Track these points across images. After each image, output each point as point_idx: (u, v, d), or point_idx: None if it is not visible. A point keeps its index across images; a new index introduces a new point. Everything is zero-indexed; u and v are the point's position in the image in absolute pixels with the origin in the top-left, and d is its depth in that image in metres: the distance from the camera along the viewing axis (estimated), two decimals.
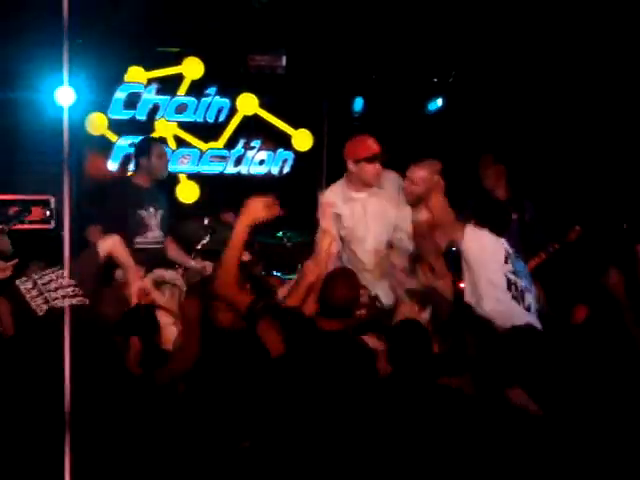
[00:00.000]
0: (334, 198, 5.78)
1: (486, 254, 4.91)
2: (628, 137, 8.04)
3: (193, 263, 6.33)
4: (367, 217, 5.76)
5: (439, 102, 8.41)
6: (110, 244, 5.45)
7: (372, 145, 5.74)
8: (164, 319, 4.96)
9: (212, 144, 8.37)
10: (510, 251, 5.00)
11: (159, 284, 5.11)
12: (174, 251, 6.41)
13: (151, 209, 6.34)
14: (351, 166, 5.72)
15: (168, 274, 5.27)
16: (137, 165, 6.51)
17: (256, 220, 4.50)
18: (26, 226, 7.45)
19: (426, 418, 3.47)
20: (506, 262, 4.89)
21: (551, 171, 8.23)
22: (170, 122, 8.24)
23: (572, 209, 7.69)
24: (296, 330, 4.10)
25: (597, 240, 7.37)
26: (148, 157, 6.40)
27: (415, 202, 5.81)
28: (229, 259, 4.42)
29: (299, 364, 3.92)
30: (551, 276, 6.29)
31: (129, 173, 8.04)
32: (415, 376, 3.83)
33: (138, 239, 6.24)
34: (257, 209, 4.50)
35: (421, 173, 5.68)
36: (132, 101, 8.12)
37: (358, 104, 8.36)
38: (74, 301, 4.27)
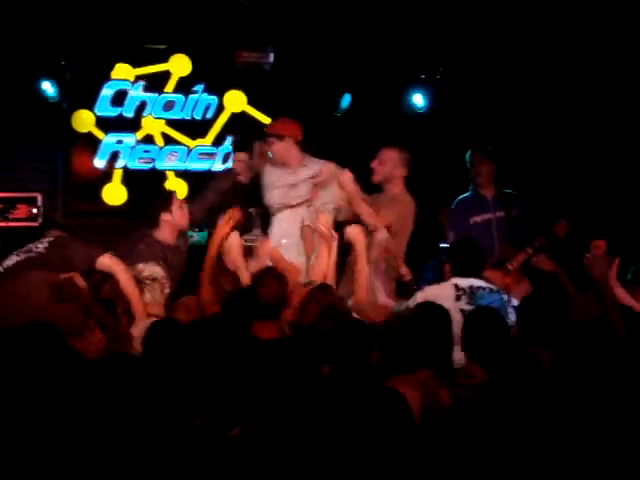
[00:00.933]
0: None
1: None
2: (613, 131, 8.07)
3: None
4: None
5: (419, 99, 8.39)
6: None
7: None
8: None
9: (200, 141, 8.36)
10: (468, 290, 5.01)
11: (139, 281, 5.06)
12: None
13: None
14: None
15: (148, 269, 5.21)
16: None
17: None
18: (11, 224, 7.46)
19: (363, 420, 3.43)
20: (458, 300, 4.95)
21: (538, 166, 8.24)
22: (157, 119, 8.22)
23: (559, 204, 7.70)
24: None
25: (584, 234, 7.42)
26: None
27: (381, 181, 6.18)
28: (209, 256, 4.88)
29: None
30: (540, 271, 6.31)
31: (115, 170, 8.06)
32: (353, 377, 3.83)
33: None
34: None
35: (390, 154, 6.17)
36: (119, 98, 8.10)
37: (345, 101, 8.35)
38: None
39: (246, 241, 6.32)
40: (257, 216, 6.44)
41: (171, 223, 5.71)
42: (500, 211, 7.00)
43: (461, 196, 7.14)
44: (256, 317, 4.46)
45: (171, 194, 6.02)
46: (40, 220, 7.45)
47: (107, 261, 4.96)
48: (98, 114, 8.07)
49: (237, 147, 7.80)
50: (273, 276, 4.64)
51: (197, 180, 8.27)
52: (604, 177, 8.04)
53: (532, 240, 6.50)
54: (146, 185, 8.03)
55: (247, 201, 6.38)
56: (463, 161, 7.17)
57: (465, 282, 5.01)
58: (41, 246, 4.95)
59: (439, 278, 5.58)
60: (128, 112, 8.14)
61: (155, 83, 8.20)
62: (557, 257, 6.28)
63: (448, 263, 5.24)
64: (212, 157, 8.39)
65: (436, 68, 8.43)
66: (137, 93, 8.15)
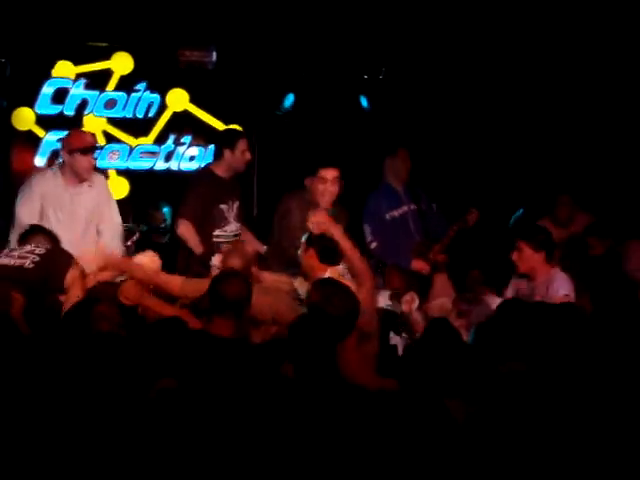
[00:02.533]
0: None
1: None
2: (528, 121, 8.24)
3: None
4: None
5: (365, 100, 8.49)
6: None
7: (87, 137, 6.20)
8: None
9: (142, 140, 8.32)
10: None
11: None
12: None
13: (230, 202, 6.39)
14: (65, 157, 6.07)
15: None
16: (219, 155, 6.57)
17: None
18: None
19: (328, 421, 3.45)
20: None
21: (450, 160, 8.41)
22: (99, 117, 8.16)
23: (470, 195, 7.85)
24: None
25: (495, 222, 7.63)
26: (232, 150, 6.42)
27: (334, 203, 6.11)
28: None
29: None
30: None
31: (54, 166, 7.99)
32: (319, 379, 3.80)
33: (217, 232, 6.33)
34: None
35: (335, 173, 6.12)
36: (60, 96, 8.03)
37: (289, 100, 8.37)
38: None
39: (217, 237, 6.37)
40: (231, 210, 6.48)
41: None
42: (412, 204, 7.19)
43: (372, 193, 7.28)
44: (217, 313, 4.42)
45: None
46: None
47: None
48: (39, 112, 7.99)
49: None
50: (238, 276, 4.61)
51: (139, 179, 8.24)
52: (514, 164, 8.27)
53: (446, 230, 6.78)
54: None
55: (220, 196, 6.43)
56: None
57: None
58: (28, 260, 4.97)
59: None
60: (69, 110, 8.07)
61: (97, 81, 8.12)
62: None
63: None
64: (154, 156, 8.35)
65: (379, 69, 8.51)
66: (78, 91, 8.07)
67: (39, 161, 8.03)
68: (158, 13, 7.81)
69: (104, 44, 8.10)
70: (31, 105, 7.96)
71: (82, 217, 6.14)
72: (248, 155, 6.53)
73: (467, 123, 8.43)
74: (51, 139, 8.01)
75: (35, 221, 5.86)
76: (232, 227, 6.48)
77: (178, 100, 8.34)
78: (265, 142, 8.40)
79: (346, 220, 6.08)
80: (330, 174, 6.14)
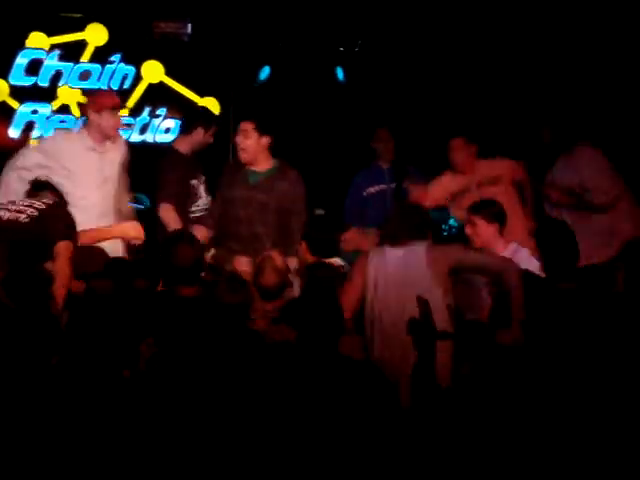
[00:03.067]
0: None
1: None
2: (506, 92, 8.25)
3: None
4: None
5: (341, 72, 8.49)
6: None
7: (116, 97, 6.21)
8: None
9: None
10: None
11: None
12: None
13: (198, 176, 6.49)
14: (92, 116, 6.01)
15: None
16: (187, 131, 6.63)
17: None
18: None
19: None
20: None
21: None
22: (73, 89, 8.11)
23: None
24: None
25: None
26: (206, 130, 6.53)
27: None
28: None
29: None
30: None
31: (32, 140, 7.94)
32: None
33: (192, 208, 6.39)
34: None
35: (246, 125, 6.00)
36: (34, 67, 7.97)
37: (264, 72, 8.36)
38: None
39: (193, 212, 6.40)
40: (200, 184, 6.51)
41: None
42: (393, 183, 7.25)
43: (361, 169, 7.40)
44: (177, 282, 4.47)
45: None
46: None
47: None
48: (12, 83, 7.93)
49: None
50: (186, 241, 4.66)
51: None
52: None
53: None
54: None
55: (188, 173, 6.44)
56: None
57: None
58: (24, 214, 4.89)
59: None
60: (43, 81, 8.01)
61: (71, 52, 8.07)
62: None
63: None
64: (129, 128, 8.30)
65: (355, 41, 8.50)
66: (52, 62, 8.02)
67: (13, 132, 7.99)
68: None
69: (78, 15, 8.05)
70: (5, 76, 7.90)
71: (112, 176, 6.11)
72: (212, 139, 6.69)
73: (444, 96, 8.42)
74: (25, 110, 7.98)
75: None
76: (204, 200, 6.53)
77: (153, 72, 8.30)
78: (241, 114, 8.36)
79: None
80: (241, 126, 6.08)
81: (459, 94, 8.35)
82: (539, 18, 7.91)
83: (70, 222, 5.00)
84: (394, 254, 4.72)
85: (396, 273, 4.65)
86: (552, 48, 7.96)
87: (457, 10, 8.03)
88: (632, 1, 7.44)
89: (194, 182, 6.50)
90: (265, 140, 5.96)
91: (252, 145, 5.94)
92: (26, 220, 4.84)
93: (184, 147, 6.59)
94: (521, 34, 8.01)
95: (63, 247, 4.80)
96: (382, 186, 7.27)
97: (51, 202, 5.12)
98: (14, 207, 4.96)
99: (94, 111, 6.03)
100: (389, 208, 6.96)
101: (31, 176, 5.59)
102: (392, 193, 7.21)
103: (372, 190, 7.26)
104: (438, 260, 4.65)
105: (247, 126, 5.96)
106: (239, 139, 5.98)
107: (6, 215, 4.87)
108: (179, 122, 8.40)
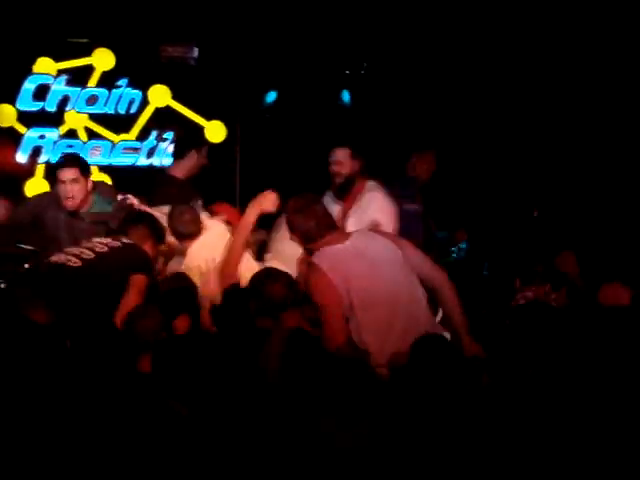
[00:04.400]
0: None
1: None
2: (513, 115, 8.25)
3: None
4: None
5: (347, 95, 8.51)
6: None
7: None
8: None
9: (124, 136, 8.30)
10: None
11: None
12: None
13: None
14: None
15: None
16: (180, 156, 6.63)
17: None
18: None
19: None
20: None
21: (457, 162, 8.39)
22: (80, 114, 8.14)
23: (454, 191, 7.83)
24: None
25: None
26: (199, 152, 6.53)
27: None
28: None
29: None
30: None
31: (38, 165, 7.97)
32: None
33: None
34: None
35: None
36: (41, 92, 8.00)
37: (271, 96, 8.38)
38: None
39: None
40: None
41: None
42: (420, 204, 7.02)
43: (393, 181, 7.12)
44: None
45: None
46: None
47: None
48: (20, 108, 7.96)
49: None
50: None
51: (121, 175, 8.21)
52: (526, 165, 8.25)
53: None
54: None
55: None
56: (387, 154, 7.28)
57: None
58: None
59: None
60: (50, 106, 8.05)
61: (78, 77, 8.10)
62: None
63: None
64: (136, 152, 8.33)
65: (360, 64, 8.53)
66: (59, 87, 8.05)
67: (21, 157, 8.01)
68: (139, 9, 7.80)
69: (85, 40, 8.08)
70: (12, 102, 7.93)
71: None
72: (205, 160, 6.67)
73: (450, 117, 8.44)
74: (32, 135, 8.00)
75: None
76: None
77: (160, 96, 8.32)
78: (248, 138, 8.40)
79: None
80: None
81: (464, 116, 8.38)
82: (552, 39, 7.96)
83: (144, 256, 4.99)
84: (340, 251, 4.41)
85: (366, 265, 4.36)
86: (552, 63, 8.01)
87: (461, 34, 8.05)
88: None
89: None
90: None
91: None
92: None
93: (179, 172, 6.61)
94: (523, 54, 8.05)
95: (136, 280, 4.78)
96: (416, 206, 6.87)
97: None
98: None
99: None
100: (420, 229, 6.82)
101: None
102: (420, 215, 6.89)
103: (410, 207, 6.95)
104: (407, 246, 4.51)
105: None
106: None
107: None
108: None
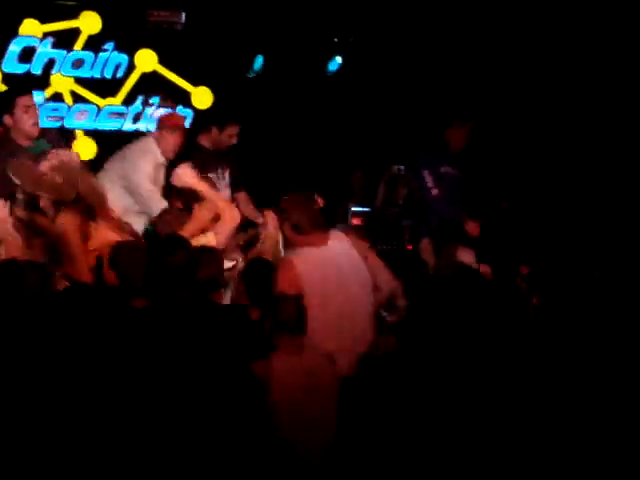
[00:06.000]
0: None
1: None
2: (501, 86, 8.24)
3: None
4: None
5: (338, 60, 8.48)
6: None
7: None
8: None
9: (110, 100, 8.25)
10: None
11: None
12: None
13: (219, 170, 6.53)
14: None
15: None
16: (207, 129, 6.75)
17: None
18: None
19: None
20: None
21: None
22: (66, 77, 8.09)
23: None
24: None
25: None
26: (220, 131, 6.65)
27: None
28: None
29: None
30: None
31: None
32: None
33: None
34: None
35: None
36: (27, 55, 7.94)
37: (258, 62, 8.35)
38: None
39: None
40: (221, 178, 6.57)
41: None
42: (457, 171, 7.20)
43: (428, 147, 7.29)
44: None
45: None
46: None
47: None
48: (5, 71, 7.89)
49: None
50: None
51: (106, 139, 8.18)
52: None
53: None
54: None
55: None
56: (373, 124, 7.28)
57: None
58: None
59: None
60: (36, 69, 7.98)
61: (64, 40, 8.04)
62: None
63: None
64: (122, 117, 8.29)
65: (349, 31, 8.50)
66: (45, 50, 7.99)
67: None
68: None
69: (72, 2, 8.02)
70: None
71: None
72: (234, 140, 6.74)
73: (437, 85, 8.42)
74: None
75: None
76: (224, 194, 6.54)
77: (147, 60, 8.27)
78: (234, 104, 8.36)
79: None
80: None
81: (453, 86, 8.36)
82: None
83: None
84: (318, 255, 4.68)
85: (333, 274, 4.64)
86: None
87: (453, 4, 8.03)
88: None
89: (212, 175, 6.56)
90: None
91: None
92: None
93: (206, 142, 6.76)
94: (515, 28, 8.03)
95: None
96: (451, 170, 7.15)
97: None
98: None
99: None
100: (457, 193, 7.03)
101: None
102: (457, 179, 7.13)
103: (448, 170, 7.16)
104: (370, 255, 4.86)
105: None
106: None
107: None
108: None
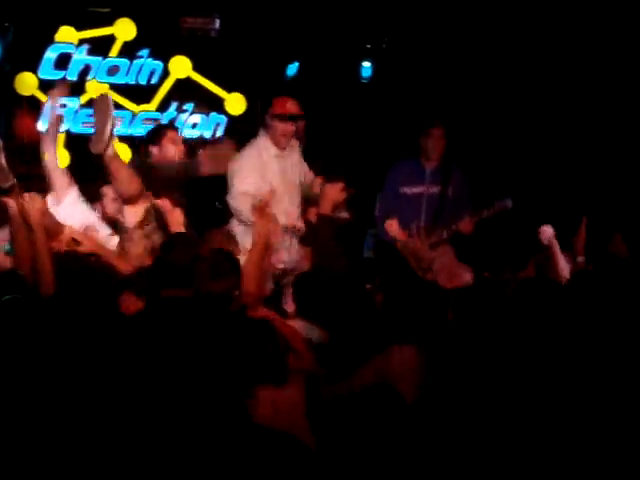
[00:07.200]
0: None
1: None
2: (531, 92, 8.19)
3: None
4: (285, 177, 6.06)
5: (369, 66, 8.49)
6: None
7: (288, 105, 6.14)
8: None
9: (144, 107, 8.31)
10: None
11: None
12: None
13: None
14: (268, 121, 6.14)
15: None
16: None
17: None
18: None
19: None
20: None
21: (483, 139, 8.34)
22: (102, 83, 8.15)
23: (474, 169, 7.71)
24: None
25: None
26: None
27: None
28: None
29: None
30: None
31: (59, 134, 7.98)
32: None
33: None
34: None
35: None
36: (63, 61, 8.01)
37: (292, 68, 8.36)
38: None
39: None
40: None
41: None
42: (435, 186, 6.76)
43: (401, 160, 6.93)
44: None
45: None
46: None
47: None
48: (41, 77, 7.98)
49: None
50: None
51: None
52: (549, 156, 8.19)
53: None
54: (89, 149, 7.95)
55: None
56: (406, 129, 7.24)
57: None
58: None
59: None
60: (72, 76, 8.06)
61: (99, 47, 8.12)
62: None
63: None
64: (156, 123, 8.33)
65: (382, 38, 8.50)
66: (81, 57, 8.06)
67: (42, 126, 8.02)
68: None
69: (106, 10, 8.09)
70: (34, 70, 7.95)
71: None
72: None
73: (469, 93, 8.40)
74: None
75: None
76: None
77: (181, 67, 8.32)
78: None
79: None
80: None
81: (482, 92, 8.33)
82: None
83: None
84: None
85: None
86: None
87: (483, 9, 8.01)
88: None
89: None
90: None
91: None
92: None
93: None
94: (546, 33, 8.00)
95: None
96: (420, 188, 6.74)
97: None
98: None
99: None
100: (422, 213, 6.69)
101: None
102: (430, 197, 6.71)
103: (408, 191, 6.75)
104: None
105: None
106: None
107: None
108: (205, 117, 8.44)
